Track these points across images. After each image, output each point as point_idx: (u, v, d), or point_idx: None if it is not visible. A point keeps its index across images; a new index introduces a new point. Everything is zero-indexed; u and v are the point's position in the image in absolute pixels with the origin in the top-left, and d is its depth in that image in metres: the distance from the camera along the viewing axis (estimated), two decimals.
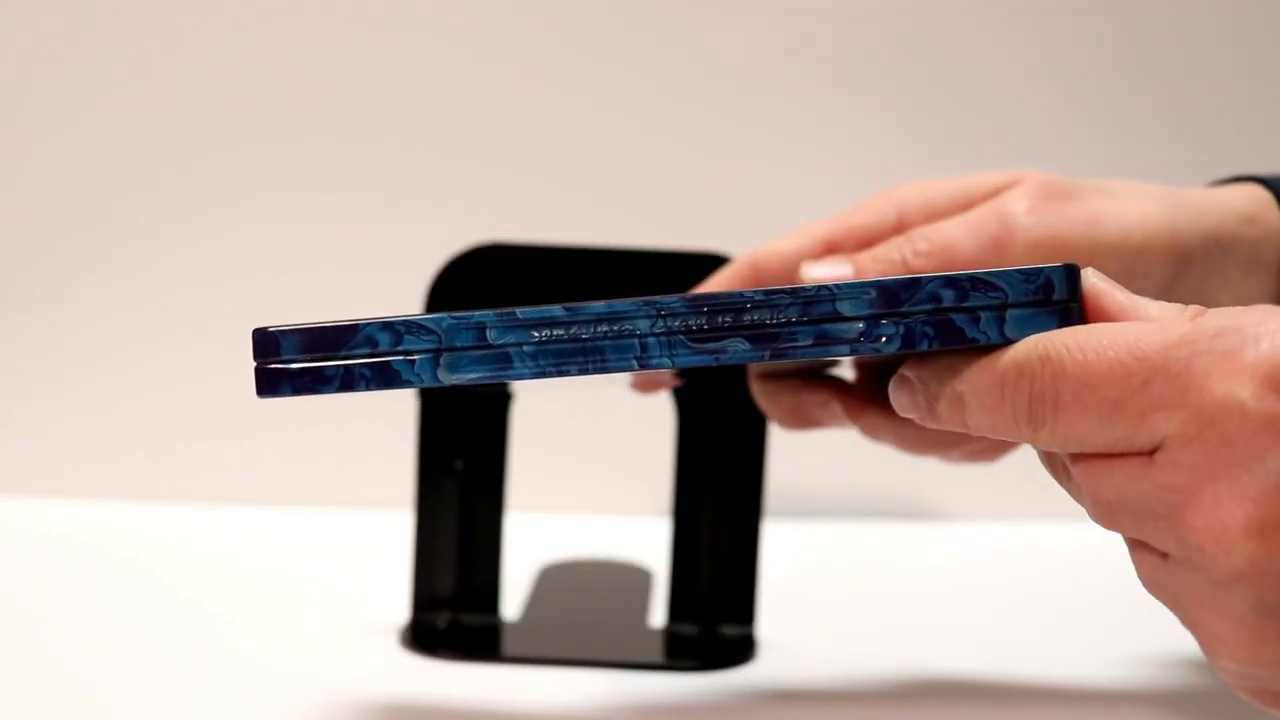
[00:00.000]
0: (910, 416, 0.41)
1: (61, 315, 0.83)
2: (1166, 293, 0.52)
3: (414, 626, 0.60)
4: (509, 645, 0.60)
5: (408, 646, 0.59)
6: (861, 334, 0.39)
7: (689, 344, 0.39)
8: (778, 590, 0.66)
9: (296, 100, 0.82)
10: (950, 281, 0.38)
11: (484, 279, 0.59)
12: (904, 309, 0.38)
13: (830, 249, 0.54)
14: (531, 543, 0.72)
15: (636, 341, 0.39)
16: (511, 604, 0.64)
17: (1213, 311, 0.36)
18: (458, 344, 0.39)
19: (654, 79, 0.83)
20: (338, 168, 0.83)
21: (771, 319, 0.39)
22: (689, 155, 0.84)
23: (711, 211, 0.84)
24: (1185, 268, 0.52)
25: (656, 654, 0.60)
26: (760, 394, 0.58)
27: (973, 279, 0.38)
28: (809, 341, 0.39)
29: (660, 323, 0.39)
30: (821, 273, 0.53)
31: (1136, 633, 0.64)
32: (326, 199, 0.83)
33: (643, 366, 0.39)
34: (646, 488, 0.80)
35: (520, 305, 0.39)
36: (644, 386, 0.61)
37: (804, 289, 0.39)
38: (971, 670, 0.59)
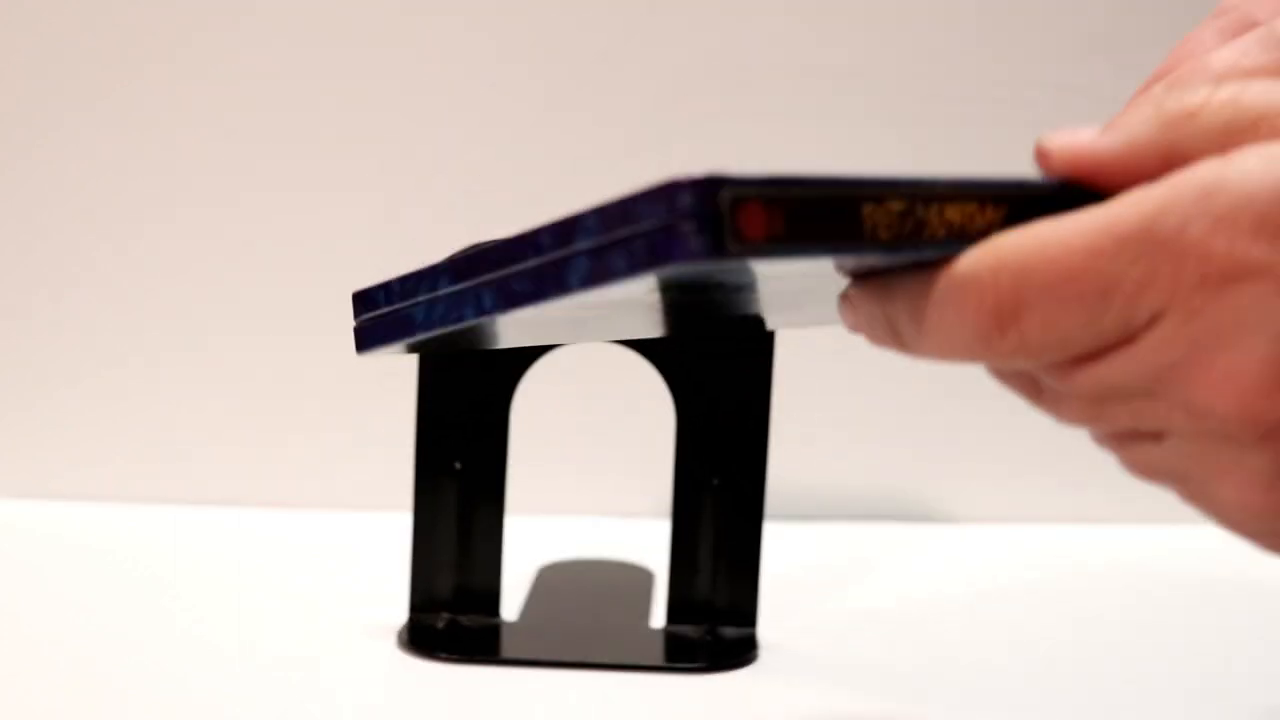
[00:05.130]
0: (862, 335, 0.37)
1: (60, 316, 0.83)
2: None
3: (412, 628, 0.60)
4: (508, 646, 0.59)
5: (406, 648, 0.59)
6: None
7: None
8: (779, 592, 0.65)
9: (293, 101, 0.82)
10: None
11: None
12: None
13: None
14: (531, 544, 0.71)
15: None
16: (511, 605, 0.63)
17: (1184, 172, 0.32)
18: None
19: (655, 78, 0.83)
20: (334, 169, 0.83)
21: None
22: (690, 155, 0.84)
23: None
24: None
25: (657, 655, 0.59)
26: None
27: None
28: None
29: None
30: None
31: (1139, 632, 0.64)
32: (324, 201, 0.83)
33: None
34: (646, 488, 0.80)
35: None
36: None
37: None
38: (972, 671, 0.59)
